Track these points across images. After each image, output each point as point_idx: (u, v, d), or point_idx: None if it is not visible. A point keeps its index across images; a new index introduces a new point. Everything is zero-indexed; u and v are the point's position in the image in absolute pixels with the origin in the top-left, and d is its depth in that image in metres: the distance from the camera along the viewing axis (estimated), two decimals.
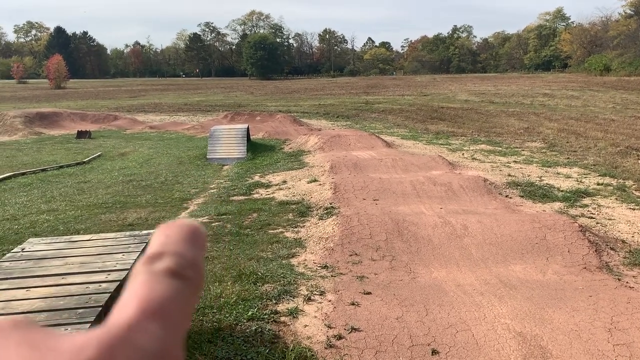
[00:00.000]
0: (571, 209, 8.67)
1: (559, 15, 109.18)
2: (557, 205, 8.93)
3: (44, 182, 12.18)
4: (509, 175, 11.33)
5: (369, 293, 5.07)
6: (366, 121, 25.55)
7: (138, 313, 0.27)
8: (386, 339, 4.20)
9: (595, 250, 6.35)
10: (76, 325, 2.53)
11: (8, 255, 3.68)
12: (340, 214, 7.71)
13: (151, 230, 4.10)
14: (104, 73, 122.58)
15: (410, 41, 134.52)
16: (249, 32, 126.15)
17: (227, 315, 4.38)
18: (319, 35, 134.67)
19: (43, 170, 13.85)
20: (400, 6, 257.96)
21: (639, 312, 4.65)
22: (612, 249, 6.63)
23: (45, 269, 3.14)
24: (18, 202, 10.16)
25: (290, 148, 16.12)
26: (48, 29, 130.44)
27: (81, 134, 21.51)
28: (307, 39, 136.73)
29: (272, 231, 7.56)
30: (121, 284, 3.07)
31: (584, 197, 9.48)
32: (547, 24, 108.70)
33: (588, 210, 8.63)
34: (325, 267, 5.91)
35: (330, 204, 8.58)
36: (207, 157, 15.00)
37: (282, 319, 4.45)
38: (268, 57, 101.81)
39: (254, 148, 16.20)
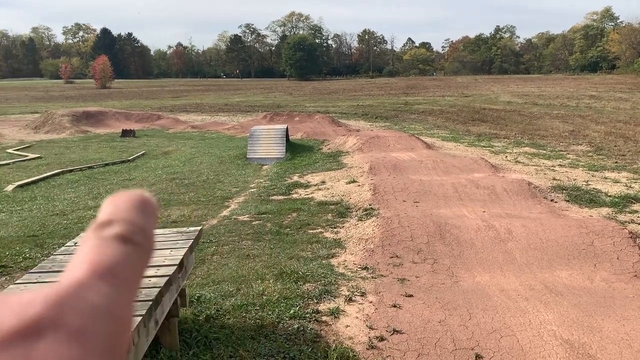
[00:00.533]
0: (620, 215, 8.39)
1: (607, 14, 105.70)
2: (605, 210, 8.65)
3: (91, 179, 12.57)
4: (554, 179, 11.04)
5: (411, 296, 5.03)
6: (405, 122, 25.37)
7: (88, 273, 0.27)
8: (429, 342, 4.16)
9: None
10: None
11: (62, 248, 3.81)
12: (380, 215, 7.67)
13: (198, 227, 4.18)
14: (148, 73, 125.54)
15: (451, 41, 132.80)
16: (288, 34, 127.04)
17: (269, 313, 4.42)
18: (358, 35, 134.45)
19: (90, 167, 14.30)
20: (441, 6, 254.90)
21: None
22: None
23: None
24: (66, 197, 10.51)
25: (329, 149, 16.15)
26: (95, 30, 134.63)
27: (126, 133, 22.11)
28: (346, 39, 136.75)
29: (311, 231, 7.59)
30: (170, 279, 3.15)
31: (634, 203, 9.15)
32: (595, 24, 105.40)
33: (638, 217, 8.33)
34: (365, 268, 5.89)
35: (370, 205, 8.55)
36: (247, 156, 15.18)
37: (324, 318, 4.47)
38: (307, 58, 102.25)
39: (293, 148, 16.29)
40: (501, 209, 8.26)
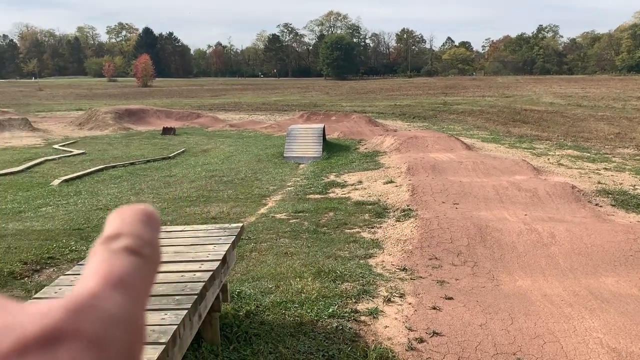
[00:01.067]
0: None
1: None
2: None
3: (133, 175, 12.88)
4: (599, 182, 10.72)
5: (451, 298, 4.96)
6: (444, 122, 25.06)
7: (101, 284, 0.27)
8: (469, 345, 4.10)
9: None
10: (175, 311, 2.65)
11: None
12: (418, 216, 7.60)
13: (240, 224, 4.23)
14: (187, 72, 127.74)
15: (492, 41, 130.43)
16: (326, 33, 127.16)
17: (308, 311, 4.43)
18: (396, 35, 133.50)
19: (132, 163, 14.66)
20: (482, 5, 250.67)
21: None
22: None
23: None
24: (109, 193, 10.80)
25: (366, 148, 16.10)
26: (137, 29, 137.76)
27: (166, 131, 22.57)
28: (384, 38, 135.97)
29: (348, 230, 7.58)
30: (214, 274, 3.19)
31: None
32: None
33: None
34: (404, 269, 5.85)
35: (408, 206, 8.48)
36: (284, 155, 15.28)
37: (362, 318, 4.45)
38: (344, 57, 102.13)
39: (329, 148, 16.31)
40: (544, 213, 8.06)
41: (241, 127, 25.32)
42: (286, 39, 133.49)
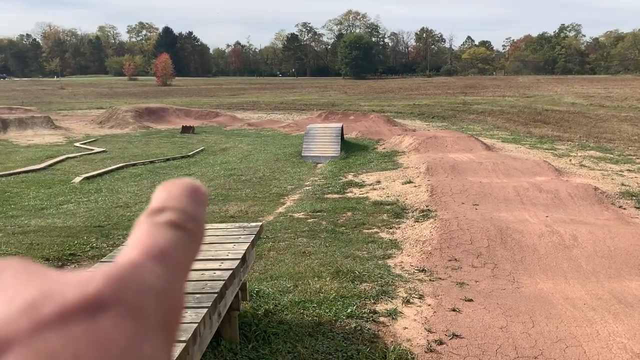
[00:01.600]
0: None
1: None
2: None
3: (152, 173, 13.00)
4: (622, 184, 10.52)
5: (470, 300, 4.91)
6: (463, 122, 24.86)
7: (142, 255, 0.27)
8: (489, 348, 4.05)
9: None
10: (195, 309, 2.66)
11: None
12: (438, 217, 7.54)
13: (259, 223, 4.24)
14: (206, 72, 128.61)
15: (513, 40, 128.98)
16: (345, 32, 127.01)
17: (326, 311, 4.42)
18: (416, 34, 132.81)
19: (151, 162, 14.81)
20: (503, 4, 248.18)
21: None
22: None
23: None
24: (130, 190, 10.92)
25: (384, 148, 16.03)
26: (157, 29, 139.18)
27: (185, 129, 22.75)
28: (403, 38, 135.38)
29: (367, 231, 7.55)
30: (233, 273, 3.20)
31: None
32: None
33: None
34: (423, 270, 5.80)
35: (427, 206, 8.42)
36: (302, 154, 15.29)
37: (381, 319, 4.43)
38: (363, 57, 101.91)
39: (348, 147, 16.27)
40: (565, 214, 7.94)
41: (259, 126, 25.41)
42: (305, 39, 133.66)
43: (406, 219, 8.04)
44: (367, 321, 4.34)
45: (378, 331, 4.22)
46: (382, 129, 21.74)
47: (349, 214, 8.51)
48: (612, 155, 14.65)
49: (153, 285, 0.26)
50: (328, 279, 5.22)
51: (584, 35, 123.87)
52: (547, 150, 15.63)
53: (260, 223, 4.33)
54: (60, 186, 11.37)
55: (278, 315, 4.32)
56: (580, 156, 14.49)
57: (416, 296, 4.98)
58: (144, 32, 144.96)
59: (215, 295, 2.84)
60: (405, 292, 5.06)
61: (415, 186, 9.92)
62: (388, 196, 9.62)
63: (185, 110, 30.57)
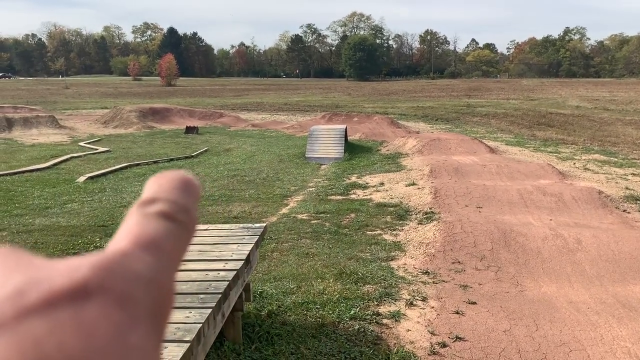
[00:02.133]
0: None
1: None
2: None
3: (156, 173, 13.02)
4: (627, 188, 10.49)
5: (474, 303, 4.90)
6: (467, 125, 24.82)
7: (132, 244, 0.27)
8: (493, 351, 4.04)
9: None
10: (199, 310, 2.66)
11: None
12: (441, 219, 7.53)
13: (263, 224, 4.24)
14: (211, 72, 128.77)
15: (517, 43, 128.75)
16: (349, 34, 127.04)
17: (330, 312, 4.42)
18: (420, 36, 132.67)
19: (155, 162, 14.83)
20: (507, 6, 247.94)
21: None
22: None
23: None
24: (133, 190, 10.93)
25: (388, 150, 16.02)
26: (162, 29, 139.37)
27: (189, 130, 22.77)
28: (407, 40, 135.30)
29: (370, 232, 7.55)
30: (238, 274, 3.20)
31: None
32: None
33: None
34: (426, 272, 5.80)
35: (430, 208, 8.41)
36: (306, 155, 15.28)
37: (384, 321, 4.42)
38: (367, 59, 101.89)
39: (351, 149, 16.27)
40: (569, 218, 7.92)
41: (263, 127, 25.43)
42: (309, 40, 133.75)
43: (410, 221, 8.03)
44: (370, 323, 4.34)
45: (381, 333, 4.22)
46: (386, 130, 21.74)
47: (353, 215, 8.51)
48: (616, 159, 14.61)
49: (142, 274, 0.26)
50: (331, 280, 5.22)
51: (589, 39, 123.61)
52: (551, 154, 15.60)
53: (264, 224, 4.34)
54: (65, 185, 11.40)
55: (281, 316, 4.32)
56: (584, 159, 14.46)
57: (419, 298, 4.97)
58: (148, 32, 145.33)
59: (220, 295, 2.84)
60: (409, 294, 5.06)
61: (418, 188, 9.92)
62: (392, 198, 9.62)
63: (189, 110, 30.61)
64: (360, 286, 5.15)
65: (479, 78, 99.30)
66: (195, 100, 45.14)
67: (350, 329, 4.20)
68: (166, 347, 2.25)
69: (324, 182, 11.64)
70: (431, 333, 4.28)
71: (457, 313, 4.66)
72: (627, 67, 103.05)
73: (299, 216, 8.50)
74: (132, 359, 0.24)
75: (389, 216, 8.40)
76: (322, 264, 5.88)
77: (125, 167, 13.79)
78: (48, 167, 13.69)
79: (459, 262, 6.10)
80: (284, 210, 9.06)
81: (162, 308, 0.27)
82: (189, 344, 2.31)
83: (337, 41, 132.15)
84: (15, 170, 12.97)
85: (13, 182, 11.73)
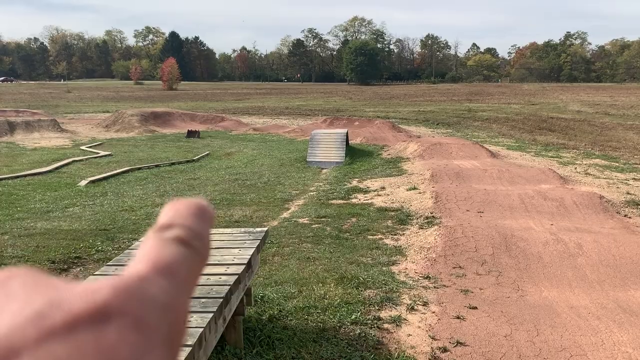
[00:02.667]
0: None
1: None
2: None
3: (158, 177, 13.04)
4: (628, 193, 10.49)
5: (475, 308, 4.91)
6: (468, 129, 24.83)
7: (149, 268, 0.28)
8: (494, 356, 4.04)
9: None
10: (201, 314, 2.67)
11: (136, 243, 3.98)
12: (442, 224, 7.54)
13: (264, 229, 4.26)
14: (212, 76, 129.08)
15: (518, 47, 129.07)
16: (350, 38, 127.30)
17: (331, 317, 4.43)
18: (421, 41, 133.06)
19: (157, 166, 14.84)
20: (508, 12, 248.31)
21: None
22: None
23: None
24: (135, 194, 10.94)
25: (389, 154, 16.03)
26: (164, 33, 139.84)
27: (191, 134, 22.80)
28: (408, 44, 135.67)
29: (371, 237, 7.55)
30: (239, 278, 3.22)
31: None
32: None
33: None
34: (427, 277, 5.80)
35: (431, 213, 8.42)
36: (307, 160, 15.30)
37: (385, 325, 4.43)
38: (368, 63, 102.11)
39: (352, 153, 16.28)
40: (570, 223, 7.92)
41: (264, 131, 25.45)
42: (310, 44, 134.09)
43: (411, 225, 8.03)
44: (371, 328, 4.34)
45: (382, 338, 4.22)
46: (387, 135, 21.75)
47: (354, 219, 8.51)
48: (617, 164, 14.61)
49: (159, 299, 0.27)
50: (332, 285, 5.23)
51: (590, 43, 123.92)
52: (552, 158, 15.60)
53: (266, 228, 4.35)
54: (66, 189, 11.41)
55: (282, 320, 4.32)
56: (585, 164, 14.46)
57: (420, 303, 4.98)
58: (150, 36, 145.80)
59: (221, 300, 2.85)
60: (410, 299, 5.06)
61: (419, 193, 9.92)
62: (393, 202, 9.62)
63: (190, 114, 30.66)
64: (362, 291, 5.15)
65: (480, 82, 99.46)
66: (197, 104, 45.20)
67: (351, 334, 4.20)
68: None
69: (325, 186, 11.65)
70: (432, 338, 4.28)
71: (458, 318, 4.66)
72: (628, 71, 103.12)
73: (300, 220, 8.51)
74: None
75: (390, 220, 8.40)
76: (323, 269, 5.88)
77: (127, 171, 13.80)
78: (50, 171, 13.71)
79: (460, 266, 6.10)
80: (285, 215, 9.07)
81: (176, 333, 0.27)
82: (190, 348, 2.32)
83: (338, 46, 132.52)
84: (17, 174, 12.99)
85: (15, 185, 11.75)
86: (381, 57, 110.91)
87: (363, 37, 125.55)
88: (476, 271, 5.97)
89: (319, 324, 4.30)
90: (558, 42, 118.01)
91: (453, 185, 10.37)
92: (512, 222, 7.75)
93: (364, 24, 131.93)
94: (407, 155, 15.12)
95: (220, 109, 38.91)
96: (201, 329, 2.50)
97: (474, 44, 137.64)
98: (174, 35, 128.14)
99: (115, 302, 0.25)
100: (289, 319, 4.37)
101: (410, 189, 10.38)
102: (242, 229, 4.32)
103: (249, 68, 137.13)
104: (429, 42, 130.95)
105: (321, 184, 12.11)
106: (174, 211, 0.32)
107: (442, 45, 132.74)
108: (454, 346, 4.16)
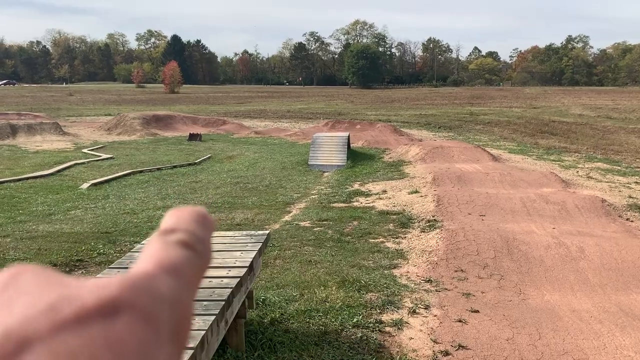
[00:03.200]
0: None
1: None
2: None
3: (159, 180, 13.05)
4: (630, 197, 10.48)
5: (477, 311, 4.90)
6: (470, 133, 24.84)
7: (155, 267, 0.29)
8: (495, 359, 4.04)
9: None
10: (203, 317, 2.68)
11: (138, 246, 3.99)
12: (444, 227, 7.54)
13: (266, 231, 4.26)
14: (214, 79, 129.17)
15: (520, 51, 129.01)
16: (352, 42, 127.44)
17: (332, 320, 4.43)
18: (423, 44, 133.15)
19: (158, 169, 14.86)
20: (510, 15, 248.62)
21: None
22: None
23: None
24: (137, 197, 10.95)
25: (390, 158, 16.03)
26: (165, 37, 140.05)
27: (192, 137, 22.84)
28: (410, 48, 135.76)
29: (372, 240, 7.55)
30: (241, 281, 3.22)
31: None
32: None
33: None
34: (429, 280, 5.79)
35: (433, 216, 8.41)
36: (309, 163, 15.31)
37: (387, 329, 4.42)
38: (369, 66, 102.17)
39: (354, 156, 16.29)
40: (572, 226, 7.91)
41: (266, 134, 25.48)
42: (312, 48, 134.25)
43: (412, 228, 8.03)
44: (373, 331, 4.34)
45: (384, 341, 4.22)
46: (389, 138, 21.77)
47: (355, 223, 8.51)
48: (619, 167, 14.60)
49: (166, 295, 0.28)
50: (334, 288, 5.23)
51: (592, 47, 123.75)
52: (554, 162, 15.60)
53: (267, 231, 4.36)
54: (68, 192, 11.43)
55: (284, 323, 4.32)
56: (587, 168, 14.45)
57: (422, 306, 4.97)
58: (152, 39, 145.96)
59: (223, 302, 2.86)
60: (411, 302, 5.06)
61: (421, 196, 9.92)
62: (394, 206, 9.62)
63: (192, 117, 30.71)
64: (363, 294, 5.15)
65: (481, 86, 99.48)
66: (199, 107, 45.28)
67: (353, 337, 4.20)
68: None
69: (327, 190, 11.66)
70: (434, 341, 4.28)
71: (460, 321, 4.66)
72: (630, 75, 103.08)
73: (302, 223, 8.51)
74: None
75: (391, 224, 8.40)
76: (325, 272, 5.88)
77: (129, 174, 13.82)
78: (52, 174, 13.74)
79: (462, 270, 6.10)
80: (287, 218, 9.07)
81: (182, 330, 0.29)
82: (192, 350, 2.32)
83: (340, 49, 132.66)
84: (19, 177, 13.02)
85: (17, 188, 11.77)
86: (383, 61, 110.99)
87: (365, 40, 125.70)
88: (478, 274, 5.96)
89: (321, 327, 4.30)
90: (560, 45, 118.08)
91: (455, 188, 10.37)
92: (514, 226, 7.74)
93: (365, 27, 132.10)
94: (408, 158, 15.13)
95: (222, 112, 38.97)
96: (203, 332, 2.51)
97: (476, 48, 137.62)
98: (175, 38, 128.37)
99: (124, 296, 0.26)
100: (290, 322, 4.37)
101: (411, 193, 10.38)
102: (244, 232, 4.32)
103: (251, 71, 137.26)
104: (431, 45, 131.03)
105: (323, 187, 12.11)
106: (176, 217, 0.34)
107: (443, 48, 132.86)
108: (456, 349, 4.15)
